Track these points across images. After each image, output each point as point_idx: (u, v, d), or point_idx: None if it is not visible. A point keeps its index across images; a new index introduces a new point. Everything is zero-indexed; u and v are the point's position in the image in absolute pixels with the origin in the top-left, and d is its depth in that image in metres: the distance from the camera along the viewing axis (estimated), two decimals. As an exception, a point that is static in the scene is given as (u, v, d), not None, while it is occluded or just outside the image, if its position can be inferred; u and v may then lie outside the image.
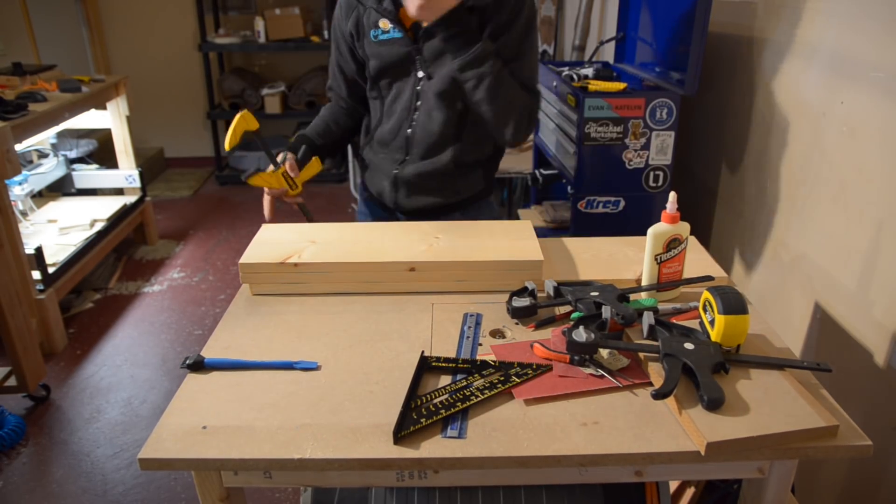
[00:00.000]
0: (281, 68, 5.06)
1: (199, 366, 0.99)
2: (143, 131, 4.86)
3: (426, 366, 0.98)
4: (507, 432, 0.85)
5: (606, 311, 1.02)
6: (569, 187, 1.99)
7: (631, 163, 1.91)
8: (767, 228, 1.73)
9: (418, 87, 1.46)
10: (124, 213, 3.39)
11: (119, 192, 3.66)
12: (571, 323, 1.05)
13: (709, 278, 1.16)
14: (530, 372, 0.95)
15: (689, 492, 1.46)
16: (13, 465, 2.09)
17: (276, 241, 1.28)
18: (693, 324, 1.02)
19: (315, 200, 4.37)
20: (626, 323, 1.01)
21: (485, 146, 1.54)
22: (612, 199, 1.95)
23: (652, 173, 1.93)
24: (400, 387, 0.93)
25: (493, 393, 0.91)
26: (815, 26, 1.50)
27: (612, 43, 2.45)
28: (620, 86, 1.93)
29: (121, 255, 3.59)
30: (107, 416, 2.32)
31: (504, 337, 1.07)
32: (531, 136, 2.36)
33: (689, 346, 0.92)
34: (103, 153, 3.82)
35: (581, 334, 0.94)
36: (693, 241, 1.32)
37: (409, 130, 1.49)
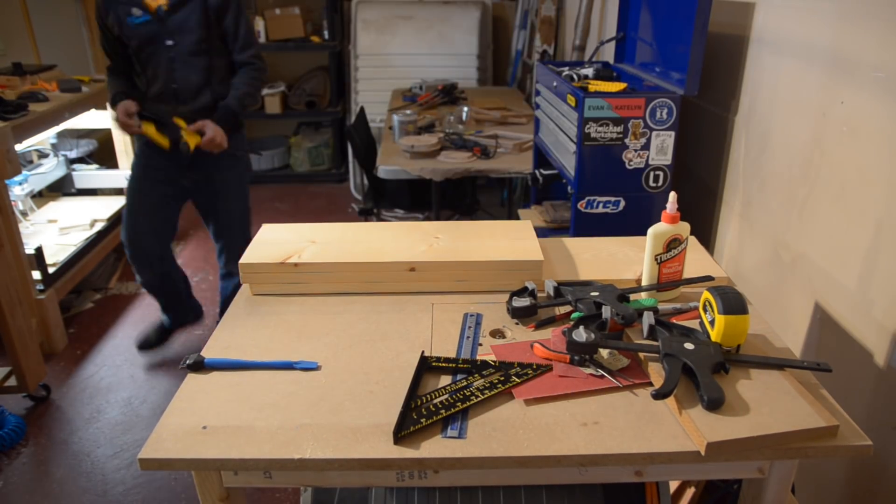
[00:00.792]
0: (281, 68, 5.06)
1: (199, 366, 0.99)
2: (143, 131, 4.85)
3: (426, 366, 0.98)
4: (507, 432, 0.85)
5: (606, 311, 1.02)
6: (569, 187, 1.99)
7: (631, 163, 1.91)
8: (767, 228, 1.73)
9: (169, 53, 2.15)
10: (124, 213, 3.39)
11: (119, 192, 3.66)
12: (571, 323, 1.05)
13: (709, 278, 1.16)
14: (530, 372, 0.95)
15: (689, 492, 1.46)
16: (13, 465, 2.09)
17: (276, 241, 1.28)
18: (693, 324, 1.02)
19: (315, 201, 4.37)
20: (626, 323, 1.01)
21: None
22: (612, 199, 1.95)
23: (652, 173, 1.93)
24: (400, 387, 0.93)
25: (493, 393, 0.91)
26: (815, 26, 1.50)
27: (612, 43, 2.45)
28: (620, 86, 1.93)
29: (121, 255, 3.59)
30: (107, 416, 2.32)
31: (504, 337, 1.07)
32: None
33: (689, 346, 0.92)
34: (103, 153, 3.82)
35: (581, 334, 0.94)
36: (693, 241, 1.32)
37: (172, 85, 2.18)
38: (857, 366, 1.36)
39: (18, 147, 2.75)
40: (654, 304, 1.09)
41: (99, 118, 3.41)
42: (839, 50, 1.41)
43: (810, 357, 1.51)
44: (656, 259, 1.12)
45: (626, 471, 0.89)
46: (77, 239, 3.02)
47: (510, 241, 1.26)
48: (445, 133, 2.95)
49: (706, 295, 0.97)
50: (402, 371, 0.97)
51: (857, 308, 1.37)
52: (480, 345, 1.04)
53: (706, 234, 2.08)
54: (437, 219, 2.78)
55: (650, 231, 1.11)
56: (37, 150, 3.32)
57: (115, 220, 3.27)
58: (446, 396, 0.90)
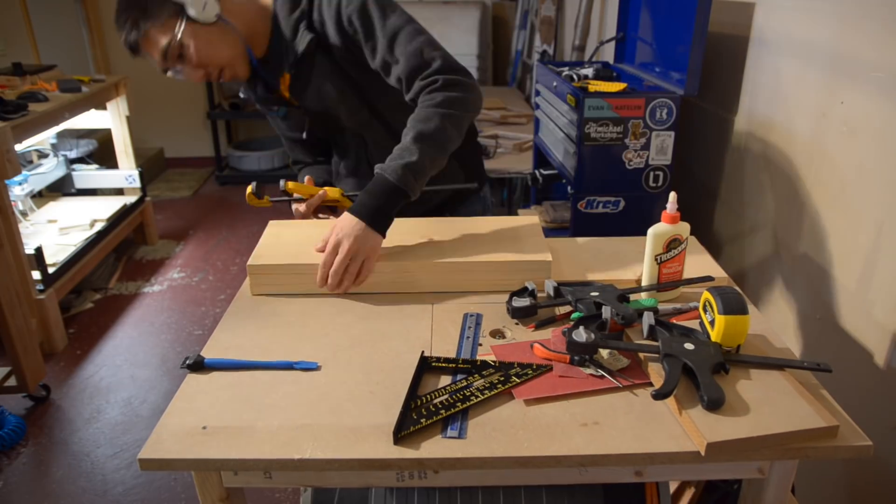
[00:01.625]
0: (281, 68, 5.06)
1: (199, 366, 0.99)
2: (143, 131, 4.85)
3: (426, 366, 0.98)
4: (507, 432, 0.85)
5: (606, 312, 1.02)
6: (569, 187, 1.99)
7: (631, 163, 1.91)
8: (767, 229, 1.73)
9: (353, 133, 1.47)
10: (124, 213, 3.39)
11: (119, 192, 3.66)
12: (571, 323, 1.05)
13: (709, 278, 1.16)
14: (530, 372, 0.95)
15: (689, 492, 1.46)
16: (13, 465, 2.09)
17: (282, 242, 1.27)
18: (693, 324, 1.02)
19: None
20: (626, 323, 1.01)
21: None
22: (612, 199, 1.95)
23: (652, 173, 1.93)
24: (400, 387, 0.93)
25: (493, 393, 0.91)
26: (815, 26, 1.50)
27: (612, 43, 2.45)
28: (620, 86, 1.93)
29: (121, 255, 3.59)
30: (107, 416, 2.32)
31: (504, 337, 1.07)
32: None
33: (689, 346, 0.92)
34: (103, 153, 3.82)
35: (581, 334, 0.94)
36: (693, 241, 1.32)
37: (367, 161, 1.47)
38: (857, 366, 1.36)
39: (18, 147, 2.75)
40: (654, 304, 1.09)
41: (99, 118, 3.42)
42: (839, 50, 1.41)
43: (810, 357, 1.51)
44: (656, 259, 1.12)
45: (626, 471, 0.89)
46: (77, 239, 3.02)
47: (518, 241, 1.26)
48: (445, 133, 2.94)
49: (706, 295, 0.97)
50: (402, 371, 0.97)
51: (857, 308, 1.37)
52: (480, 345, 1.04)
53: (706, 234, 2.08)
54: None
55: (650, 231, 1.11)
56: (37, 150, 3.32)
57: (115, 220, 3.28)
58: (446, 396, 0.90)
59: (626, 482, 0.99)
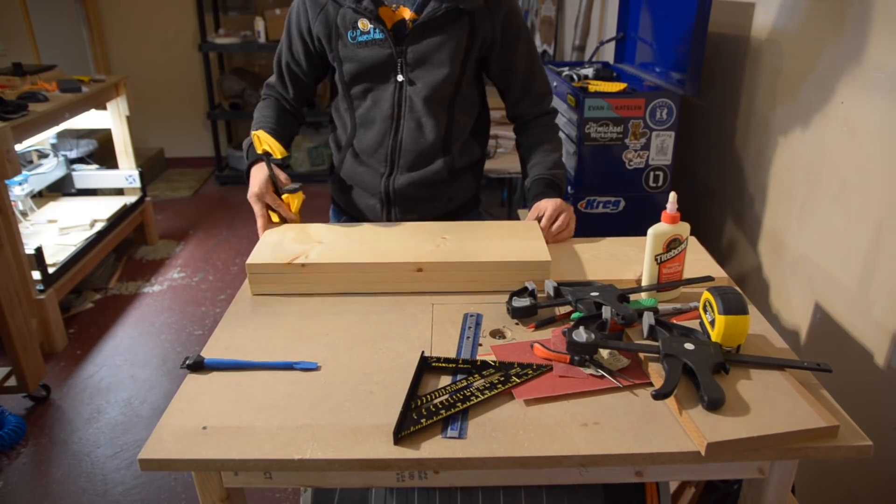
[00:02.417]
0: (281, 68, 5.06)
1: (199, 366, 0.99)
2: (143, 131, 4.85)
3: (426, 366, 0.98)
4: (507, 432, 0.85)
5: (606, 312, 1.02)
6: (569, 187, 1.99)
7: (631, 163, 1.91)
8: (767, 229, 1.73)
9: (400, 93, 1.37)
10: (124, 213, 3.39)
11: (119, 192, 3.66)
12: (571, 323, 1.05)
13: (709, 278, 1.16)
14: (530, 372, 0.95)
15: (689, 492, 1.46)
16: (13, 465, 2.09)
17: (281, 242, 1.27)
18: (693, 324, 1.02)
19: (315, 200, 4.36)
20: (626, 323, 1.01)
21: (473, 150, 1.51)
22: (612, 199, 1.95)
23: (652, 173, 1.93)
24: (400, 387, 0.93)
25: (493, 393, 0.91)
26: (815, 26, 1.50)
27: (612, 43, 2.45)
28: (620, 86, 1.93)
29: (121, 255, 3.59)
30: (107, 416, 2.32)
31: (504, 337, 1.07)
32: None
33: (689, 346, 0.92)
34: (103, 153, 3.82)
35: (581, 334, 0.94)
36: (693, 241, 1.32)
37: (392, 141, 1.41)
38: (857, 366, 1.36)
39: (18, 147, 2.75)
40: (654, 304, 1.09)
41: (99, 118, 3.42)
42: (839, 50, 1.41)
43: (810, 357, 1.51)
44: (656, 259, 1.12)
45: (627, 471, 0.89)
46: (77, 239, 3.02)
47: (518, 241, 1.26)
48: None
49: (706, 295, 0.97)
50: (402, 371, 0.97)
51: (857, 308, 1.37)
52: (480, 345, 1.04)
53: (706, 234, 2.08)
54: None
55: (650, 231, 1.11)
56: (37, 150, 3.32)
57: (115, 220, 3.28)
58: (446, 397, 0.90)
59: (626, 482, 0.99)
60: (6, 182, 2.34)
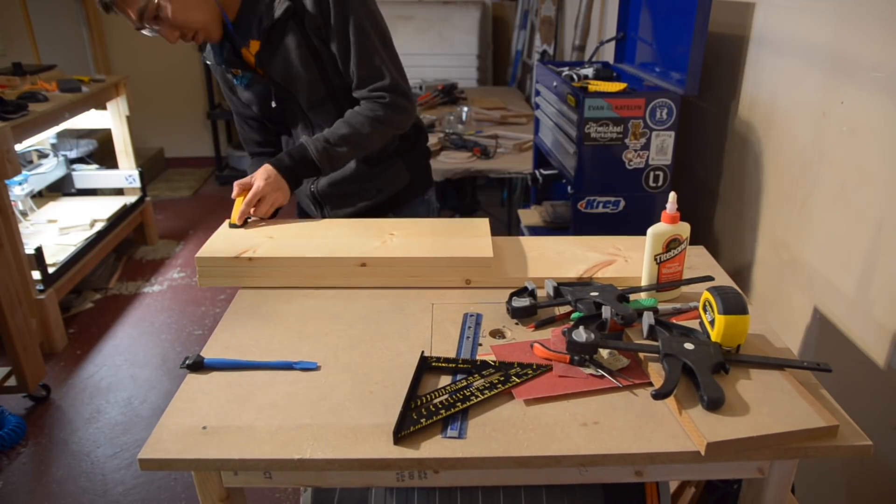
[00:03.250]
0: (281, 68, 5.06)
1: (198, 366, 0.99)
2: (143, 131, 4.85)
3: (426, 366, 0.98)
4: (507, 432, 0.85)
5: (606, 312, 1.02)
6: (569, 187, 1.99)
7: (631, 163, 1.91)
8: (767, 229, 1.73)
9: (289, 109, 1.49)
10: (124, 213, 3.39)
11: (119, 192, 3.66)
12: (571, 323, 1.05)
13: (709, 278, 1.16)
14: (530, 372, 0.95)
15: (689, 492, 1.46)
16: (13, 465, 2.09)
17: (234, 236, 1.30)
18: (693, 324, 1.02)
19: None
20: (625, 323, 1.01)
21: (393, 138, 1.51)
22: (612, 199, 1.95)
23: (652, 173, 1.93)
24: (400, 387, 0.93)
25: (493, 393, 0.91)
26: (815, 26, 1.50)
27: (612, 43, 2.45)
28: (620, 86, 1.93)
29: (121, 255, 3.59)
30: (107, 416, 2.32)
31: (504, 337, 1.07)
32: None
33: (689, 346, 0.92)
34: (103, 153, 3.82)
35: (581, 334, 0.94)
36: (693, 241, 1.32)
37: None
38: (857, 366, 1.36)
39: (18, 147, 2.75)
40: (654, 304, 1.09)
41: (99, 118, 3.42)
42: (839, 50, 1.41)
43: (810, 357, 1.51)
44: (656, 259, 1.12)
45: (626, 471, 0.89)
46: (77, 239, 3.02)
47: (463, 238, 1.28)
48: (445, 133, 2.95)
49: (706, 295, 0.97)
50: (402, 371, 0.97)
51: (857, 308, 1.37)
52: (480, 345, 1.04)
53: (706, 234, 2.08)
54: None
55: (650, 231, 1.11)
56: (37, 150, 3.32)
57: (115, 220, 3.28)
58: (446, 396, 0.90)
59: (626, 482, 0.99)
60: (6, 182, 2.34)
